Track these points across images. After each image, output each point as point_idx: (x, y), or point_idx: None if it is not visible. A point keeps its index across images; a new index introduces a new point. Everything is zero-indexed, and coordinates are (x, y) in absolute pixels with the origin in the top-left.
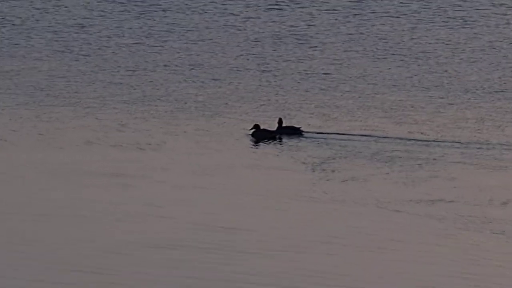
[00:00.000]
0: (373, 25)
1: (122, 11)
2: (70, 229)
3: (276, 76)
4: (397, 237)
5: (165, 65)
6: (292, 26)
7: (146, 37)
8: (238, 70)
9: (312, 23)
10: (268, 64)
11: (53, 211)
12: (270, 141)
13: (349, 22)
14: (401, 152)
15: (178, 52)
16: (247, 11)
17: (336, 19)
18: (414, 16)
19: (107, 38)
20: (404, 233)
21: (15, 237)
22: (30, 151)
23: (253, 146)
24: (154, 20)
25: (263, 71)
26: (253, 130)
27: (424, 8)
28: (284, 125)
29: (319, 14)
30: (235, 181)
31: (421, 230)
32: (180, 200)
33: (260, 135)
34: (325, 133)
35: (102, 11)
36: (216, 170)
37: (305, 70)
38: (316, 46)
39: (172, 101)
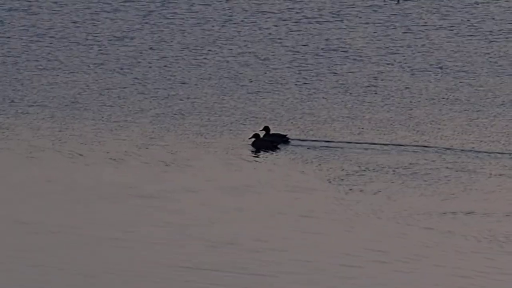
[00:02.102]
0: (414, 38)
1: (161, 25)
2: (99, 251)
3: (314, 89)
4: (427, 253)
5: (203, 78)
6: (331, 39)
7: (185, 50)
8: (277, 83)
9: (352, 36)
10: (306, 77)
11: (79, 231)
12: (269, 150)
13: (388, 35)
14: (435, 163)
15: (217, 65)
16: (286, 24)
17: (375, 32)
18: (453, 29)
19: (145, 52)
20: (435, 248)
21: (41, 258)
22: (57, 167)
23: (277, 163)
24: (193, 33)
25: (303, 84)
26: (253, 139)
27: (464, 21)
28: (271, 132)
29: (358, 27)
30: (260, 200)
31: (453, 245)
32: (207, 220)
33: (260, 144)
34: (311, 140)
35: (141, 24)
36: (242, 188)
37: (343, 83)
38: (354, 59)
39: (209, 114)
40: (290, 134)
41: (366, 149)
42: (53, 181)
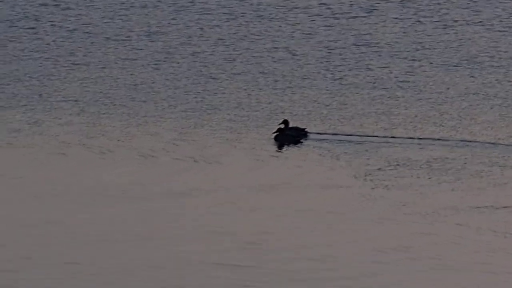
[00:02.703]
0: (445, 33)
1: (192, 20)
2: (131, 250)
3: (345, 84)
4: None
5: (233, 73)
6: (362, 34)
7: (216, 45)
8: (308, 78)
9: (383, 31)
10: (337, 72)
11: (108, 230)
12: (292, 144)
13: (419, 30)
14: (466, 158)
15: (248, 61)
16: (318, 19)
17: (407, 27)
18: (485, 24)
19: (176, 47)
20: (465, 245)
21: (73, 258)
22: (86, 164)
23: (304, 158)
24: (224, 28)
25: (333, 79)
26: (276, 133)
27: (496, 16)
28: (290, 126)
29: (390, 22)
30: (287, 197)
31: (483, 241)
32: (235, 218)
33: (283, 139)
34: (329, 134)
35: (172, 19)
36: (268, 185)
37: (373, 78)
38: (386, 54)
39: (239, 110)
40: (309, 128)
41: (393, 143)
42: (81, 178)
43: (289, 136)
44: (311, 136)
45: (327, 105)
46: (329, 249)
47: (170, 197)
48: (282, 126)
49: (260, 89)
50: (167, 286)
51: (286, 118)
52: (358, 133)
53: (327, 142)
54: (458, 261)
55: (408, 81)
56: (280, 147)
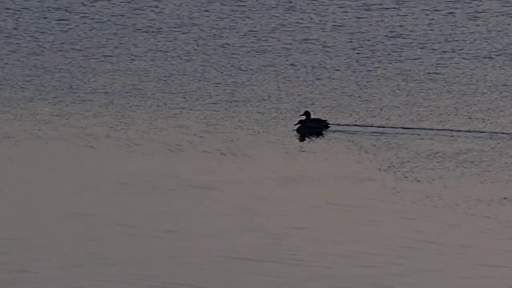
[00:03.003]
0: (476, 25)
1: (223, 11)
2: (155, 244)
3: (376, 76)
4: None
5: (263, 65)
6: (393, 25)
7: (246, 37)
8: (339, 70)
9: (413, 23)
10: (366, 64)
11: (136, 223)
12: (315, 136)
13: (447, 22)
14: (494, 150)
15: (277, 52)
16: (349, 11)
17: (438, 17)
18: None
19: (207, 38)
20: (493, 237)
21: (98, 250)
22: (114, 157)
23: (329, 150)
24: (255, 20)
25: (364, 71)
26: (298, 125)
27: None
28: (312, 117)
29: (420, 14)
30: (313, 190)
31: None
32: (261, 210)
33: (305, 130)
34: (352, 125)
35: (202, 11)
36: (294, 178)
37: (404, 70)
38: (417, 46)
39: (268, 102)
40: (332, 120)
41: (419, 135)
42: (109, 171)
43: (311, 127)
44: (332, 127)
45: (356, 97)
46: (356, 244)
47: (194, 190)
48: (304, 117)
49: (289, 80)
50: (192, 280)
51: (307, 109)
52: (382, 125)
53: (349, 133)
54: (484, 253)
55: (438, 73)
56: (302, 138)
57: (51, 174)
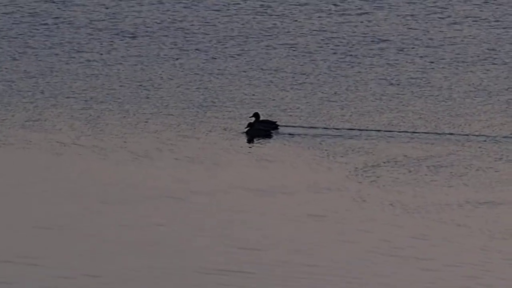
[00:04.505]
0: (454, 30)
1: (199, 15)
2: (121, 255)
3: (359, 81)
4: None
5: (240, 70)
6: (381, 30)
7: (222, 42)
8: (326, 74)
9: (391, 27)
10: (349, 69)
11: (100, 235)
12: (263, 138)
13: (435, 27)
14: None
15: (255, 57)
16: (338, 15)
17: (415, 22)
18: (497, 21)
19: (182, 43)
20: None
21: (66, 262)
22: (88, 164)
23: (285, 154)
24: (234, 24)
25: (347, 76)
26: (247, 128)
27: (509, 12)
28: (261, 119)
29: (398, 18)
30: (280, 200)
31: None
32: (238, 222)
33: (253, 133)
34: (300, 126)
35: (181, 17)
36: (277, 188)
37: (389, 77)
38: (402, 51)
39: (240, 106)
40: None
41: (363, 136)
42: (78, 179)
43: (259, 130)
44: (281, 129)
45: (332, 101)
46: (323, 252)
47: (162, 199)
48: (253, 119)
49: (269, 85)
50: None
51: (257, 111)
52: (340, 127)
53: (298, 135)
54: (452, 261)
55: (413, 78)
56: (250, 141)
57: (16, 182)
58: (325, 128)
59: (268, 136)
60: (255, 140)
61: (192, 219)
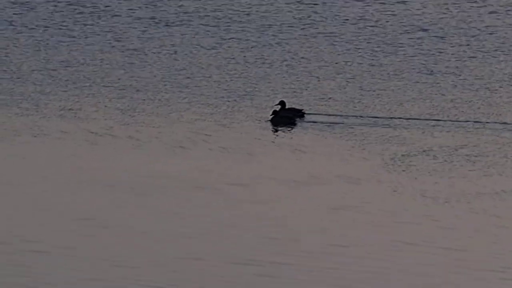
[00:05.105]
0: (500, 18)
1: (257, 4)
2: (162, 247)
3: (395, 70)
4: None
5: (271, 61)
6: (419, 18)
7: (243, 32)
8: (363, 63)
9: (439, 17)
10: (385, 58)
11: (138, 227)
12: (290, 126)
13: (474, 15)
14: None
15: (279, 44)
16: (376, 3)
17: (465, 11)
18: None
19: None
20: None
21: (94, 252)
22: (122, 155)
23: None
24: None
25: (374, 65)
26: (272, 116)
27: None
28: (287, 107)
29: (444, 7)
30: (311, 191)
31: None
32: (272, 212)
33: (278, 121)
34: (327, 114)
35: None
36: (308, 180)
37: (426, 65)
38: (439, 40)
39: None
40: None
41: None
42: (115, 170)
43: (284, 117)
44: (308, 117)
45: (369, 93)
46: (358, 246)
47: (185, 190)
48: (279, 107)
49: (295, 74)
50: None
51: (283, 99)
52: (364, 115)
53: (324, 124)
54: (485, 252)
55: (449, 67)
56: (275, 129)
57: (47, 171)
58: (357, 116)
59: (293, 124)
60: (279, 127)
61: (226, 210)
